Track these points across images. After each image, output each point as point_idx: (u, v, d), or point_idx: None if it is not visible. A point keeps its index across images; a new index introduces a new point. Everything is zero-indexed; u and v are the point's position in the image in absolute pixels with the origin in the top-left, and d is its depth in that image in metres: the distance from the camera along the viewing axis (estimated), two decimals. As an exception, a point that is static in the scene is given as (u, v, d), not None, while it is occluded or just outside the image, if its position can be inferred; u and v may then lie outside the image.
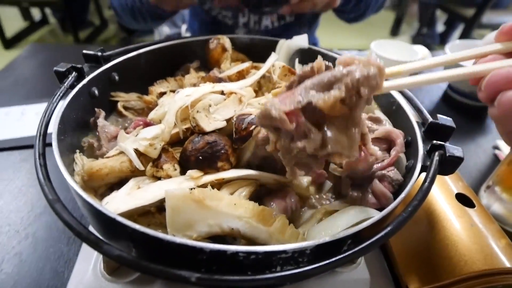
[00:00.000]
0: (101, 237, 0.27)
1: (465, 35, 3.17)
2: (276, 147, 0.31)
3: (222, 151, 0.33)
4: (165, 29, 1.59)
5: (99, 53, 0.46)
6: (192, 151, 0.33)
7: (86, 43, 3.06)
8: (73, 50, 1.01)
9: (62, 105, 0.38)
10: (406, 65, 0.29)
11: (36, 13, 3.39)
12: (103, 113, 0.43)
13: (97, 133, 0.41)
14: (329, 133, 0.27)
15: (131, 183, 0.34)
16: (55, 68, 0.42)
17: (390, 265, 0.43)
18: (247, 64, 0.50)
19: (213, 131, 0.35)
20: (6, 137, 0.65)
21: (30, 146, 0.64)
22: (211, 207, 0.30)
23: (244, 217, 0.30)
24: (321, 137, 0.28)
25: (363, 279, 0.39)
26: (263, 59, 0.52)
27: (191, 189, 0.30)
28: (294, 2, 0.64)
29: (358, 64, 0.26)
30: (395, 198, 0.37)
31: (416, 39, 3.66)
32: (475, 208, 0.42)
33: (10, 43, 2.98)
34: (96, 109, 0.44)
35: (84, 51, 0.46)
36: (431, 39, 3.64)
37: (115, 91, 0.49)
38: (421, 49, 0.99)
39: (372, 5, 0.95)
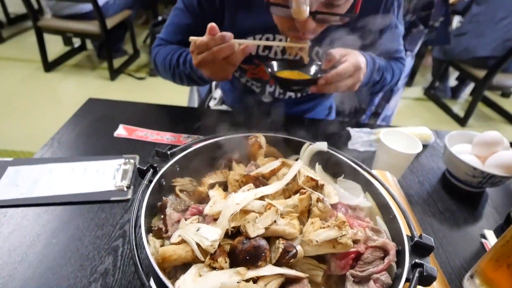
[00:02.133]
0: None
1: (475, 94, 3.30)
2: None
3: (263, 254, 0.46)
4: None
5: (168, 152, 0.60)
6: (241, 251, 0.46)
7: (119, 72, 3.31)
8: (126, 106, 1.18)
9: (145, 199, 0.52)
10: None
11: (76, 39, 3.67)
12: (169, 202, 0.57)
13: (165, 219, 0.55)
14: None
15: (194, 269, 0.47)
16: (138, 167, 0.56)
17: None
18: (278, 163, 0.64)
19: (256, 236, 0.48)
20: (73, 191, 0.80)
21: (93, 202, 0.79)
22: (250, 299, 0.43)
23: (274, 308, 0.43)
24: None
25: None
26: (291, 152, 0.67)
27: (238, 282, 0.43)
28: (320, 84, 0.80)
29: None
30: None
31: (428, 92, 3.81)
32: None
33: (50, 66, 3.24)
34: (164, 198, 0.58)
35: (157, 149, 0.61)
36: (443, 93, 3.77)
37: (175, 178, 0.63)
38: (425, 131, 1.13)
39: (386, 86, 1.10)
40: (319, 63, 0.92)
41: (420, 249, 0.49)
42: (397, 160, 0.89)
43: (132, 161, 0.89)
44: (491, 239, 0.82)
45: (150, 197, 0.54)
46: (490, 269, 0.67)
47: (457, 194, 0.95)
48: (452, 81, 3.84)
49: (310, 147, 0.68)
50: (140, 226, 0.48)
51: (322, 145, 0.68)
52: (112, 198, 0.79)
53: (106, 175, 0.85)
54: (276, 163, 0.64)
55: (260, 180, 0.61)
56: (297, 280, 0.49)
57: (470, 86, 3.74)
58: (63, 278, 0.63)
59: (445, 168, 1.02)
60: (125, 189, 0.81)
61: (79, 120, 1.07)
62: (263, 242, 0.48)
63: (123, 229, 0.73)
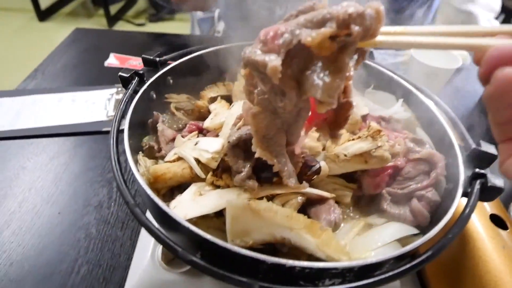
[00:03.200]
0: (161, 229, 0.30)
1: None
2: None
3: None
4: (198, 13, 1.60)
5: (157, 58, 0.49)
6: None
7: (117, 19, 3.10)
8: (115, 34, 1.04)
9: (129, 109, 0.42)
10: (410, 27, 0.25)
11: (69, -15, 3.42)
12: (161, 117, 0.47)
13: (157, 136, 0.45)
14: (311, 78, 0.24)
15: (193, 188, 0.37)
16: (120, 74, 0.45)
17: (421, 281, 0.46)
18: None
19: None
20: (61, 123, 0.71)
21: (83, 133, 0.69)
22: (266, 218, 0.33)
23: (295, 229, 0.34)
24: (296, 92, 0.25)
25: None
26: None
27: (249, 199, 0.34)
28: None
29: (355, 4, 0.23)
30: (431, 217, 0.40)
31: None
32: (508, 230, 0.44)
33: (44, 16, 3.05)
34: (154, 112, 0.47)
35: (144, 56, 0.49)
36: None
37: (168, 93, 0.52)
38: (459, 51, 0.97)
39: None
40: None
41: (479, 159, 0.39)
42: (432, 78, 0.75)
43: (125, 90, 0.79)
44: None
45: (138, 112, 0.44)
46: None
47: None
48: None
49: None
50: (122, 141, 0.38)
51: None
52: (104, 129, 0.70)
53: (96, 105, 0.75)
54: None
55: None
56: (321, 201, 0.40)
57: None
58: (52, 213, 0.56)
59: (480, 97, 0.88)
60: (118, 119, 0.72)
61: (65, 51, 0.95)
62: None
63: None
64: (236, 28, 1.17)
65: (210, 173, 0.38)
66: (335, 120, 0.27)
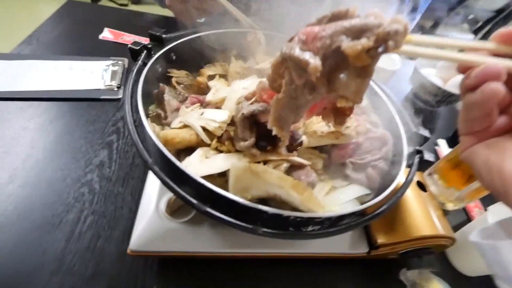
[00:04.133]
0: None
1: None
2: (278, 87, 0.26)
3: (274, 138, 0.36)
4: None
5: (163, 35, 0.44)
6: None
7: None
8: (109, 11, 0.92)
9: (140, 80, 0.38)
10: (416, 36, 0.23)
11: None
12: (167, 89, 0.43)
13: (163, 105, 0.42)
14: (341, 79, 0.24)
15: (200, 152, 0.36)
16: (129, 46, 0.41)
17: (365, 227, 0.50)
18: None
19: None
20: (59, 88, 0.62)
21: (82, 99, 0.62)
22: (263, 178, 0.33)
23: (284, 187, 0.34)
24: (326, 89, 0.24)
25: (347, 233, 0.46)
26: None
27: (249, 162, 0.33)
28: None
29: (387, 19, 0.22)
30: (380, 182, 0.43)
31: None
32: (427, 192, 0.49)
33: None
34: (160, 84, 0.43)
35: (150, 32, 0.45)
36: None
37: (171, 68, 0.48)
38: (394, 56, 1.03)
39: None
40: None
41: (417, 139, 0.42)
42: (376, 76, 0.79)
43: (121, 63, 0.71)
44: (442, 146, 0.80)
45: (147, 82, 0.40)
46: (446, 168, 0.65)
47: (418, 112, 0.90)
48: None
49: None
50: (137, 105, 0.35)
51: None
52: (102, 97, 0.63)
53: (94, 74, 0.67)
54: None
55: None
56: (300, 166, 0.41)
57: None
58: (56, 169, 0.51)
59: (410, 89, 0.95)
60: (116, 88, 0.65)
61: (59, 21, 0.82)
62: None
63: (117, 125, 0.59)
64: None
65: (215, 140, 0.37)
66: (341, 111, 0.27)
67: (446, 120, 0.91)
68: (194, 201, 0.28)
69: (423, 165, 0.42)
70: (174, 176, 0.32)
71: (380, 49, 0.21)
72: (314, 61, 0.22)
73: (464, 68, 0.23)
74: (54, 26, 0.80)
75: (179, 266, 0.43)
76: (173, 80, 0.48)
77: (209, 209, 0.28)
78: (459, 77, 0.80)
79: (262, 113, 0.32)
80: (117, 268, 0.42)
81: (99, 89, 0.64)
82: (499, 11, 1.74)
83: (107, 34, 0.80)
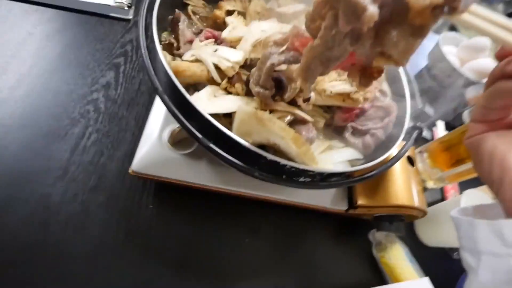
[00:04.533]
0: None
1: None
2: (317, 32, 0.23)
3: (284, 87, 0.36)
4: None
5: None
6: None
7: None
8: None
9: (156, 2, 0.36)
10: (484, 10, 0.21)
11: None
12: (183, 17, 0.41)
13: (177, 35, 0.40)
14: (393, 34, 0.21)
15: (209, 89, 0.36)
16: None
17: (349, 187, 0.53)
18: (302, 6, 0.48)
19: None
20: (66, -5, 0.58)
21: (90, 13, 0.58)
22: (266, 126, 0.34)
23: (285, 138, 0.36)
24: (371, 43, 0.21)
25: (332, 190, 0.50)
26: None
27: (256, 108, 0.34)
28: None
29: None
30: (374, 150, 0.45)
31: None
32: (414, 167, 0.51)
33: None
34: (177, 10, 0.41)
35: None
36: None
37: (188, -4, 0.45)
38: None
39: None
40: None
41: (421, 116, 0.43)
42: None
43: (133, -21, 0.65)
44: (440, 128, 0.81)
45: (160, 6, 0.38)
46: (437, 149, 0.66)
47: (427, 89, 0.88)
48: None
49: None
50: (150, 29, 0.33)
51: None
52: (112, 14, 0.60)
53: (103, -12, 0.62)
54: (300, 6, 0.48)
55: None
56: (303, 122, 0.42)
57: None
58: (62, 82, 0.50)
59: (425, 65, 0.91)
60: (126, 8, 0.61)
61: None
62: (283, 78, 0.37)
63: (125, 48, 0.57)
64: None
65: (226, 80, 0.36)
66: (370, 72, 0.25)
67: (451, 103, 0.90)
68: (200, 135, 0.30)
69: (419, 141, 0.43)
70: (182, 109, 0.33)
71: (445, 9, 0.19)
72: (373, 8, 0.18)
73: (502, 55, 0.21)
74: None
75: (174, 193, 0.46)
76: (189, 8, 0.45)
77: (212, 145, 0.30)
78: (478, 62, 0.77)
79: (291, 64, 0.30)
80: (117, 185, 0.45)
81: (109, 5, 0.60)
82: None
83: None
